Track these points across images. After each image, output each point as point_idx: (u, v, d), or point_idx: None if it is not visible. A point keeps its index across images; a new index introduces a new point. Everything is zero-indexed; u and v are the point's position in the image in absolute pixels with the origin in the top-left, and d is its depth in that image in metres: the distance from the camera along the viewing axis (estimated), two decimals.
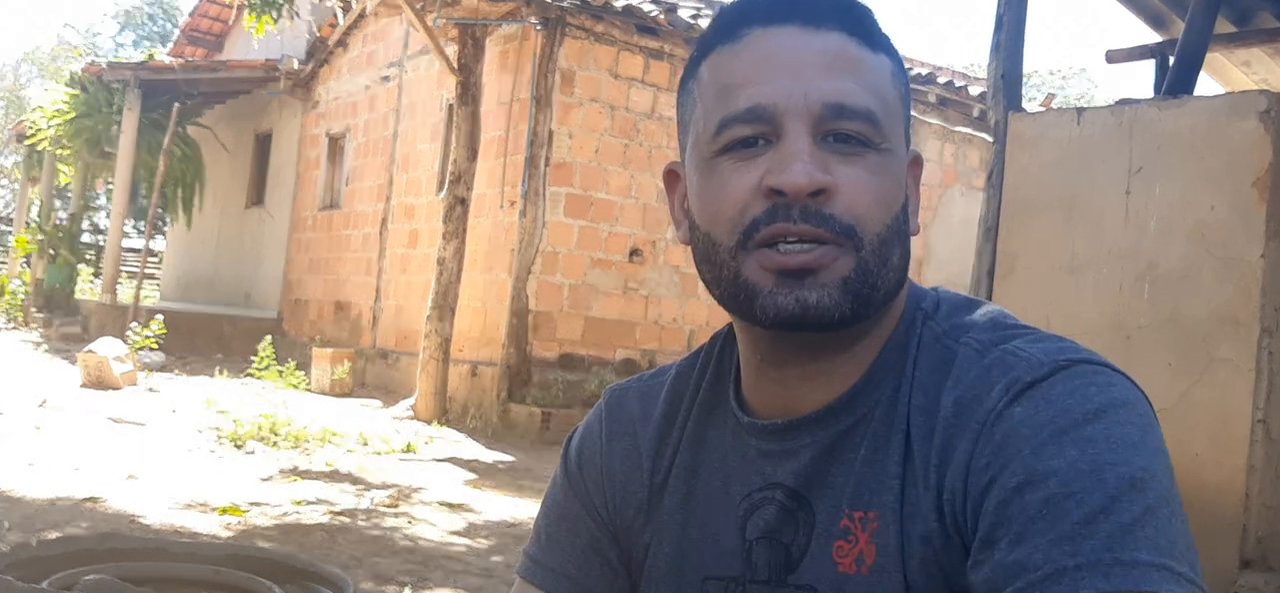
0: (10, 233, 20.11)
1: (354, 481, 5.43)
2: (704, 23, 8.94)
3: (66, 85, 13.78)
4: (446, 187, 8.57)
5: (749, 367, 0.96)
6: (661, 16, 8.77)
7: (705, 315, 8.83)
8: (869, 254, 0.86)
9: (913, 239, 0.94)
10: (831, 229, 0.84)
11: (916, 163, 0.96)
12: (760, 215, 0.85)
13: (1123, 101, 4.30)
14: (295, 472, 5.46)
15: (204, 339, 12.17)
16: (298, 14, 8.68)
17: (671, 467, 1.01)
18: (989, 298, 4.51)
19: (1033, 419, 0.78)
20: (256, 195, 14.62)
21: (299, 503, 4.69)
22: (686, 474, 1.00)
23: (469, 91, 8.41)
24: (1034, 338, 0.86)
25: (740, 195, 0.86)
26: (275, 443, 6.19)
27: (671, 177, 0.99)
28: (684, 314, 8.92)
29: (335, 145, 12.58)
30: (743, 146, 0.87)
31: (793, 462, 0.92)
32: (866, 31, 0.89)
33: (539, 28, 8.48)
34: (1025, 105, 4.76)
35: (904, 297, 0.93)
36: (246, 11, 8.34)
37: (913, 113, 1.12)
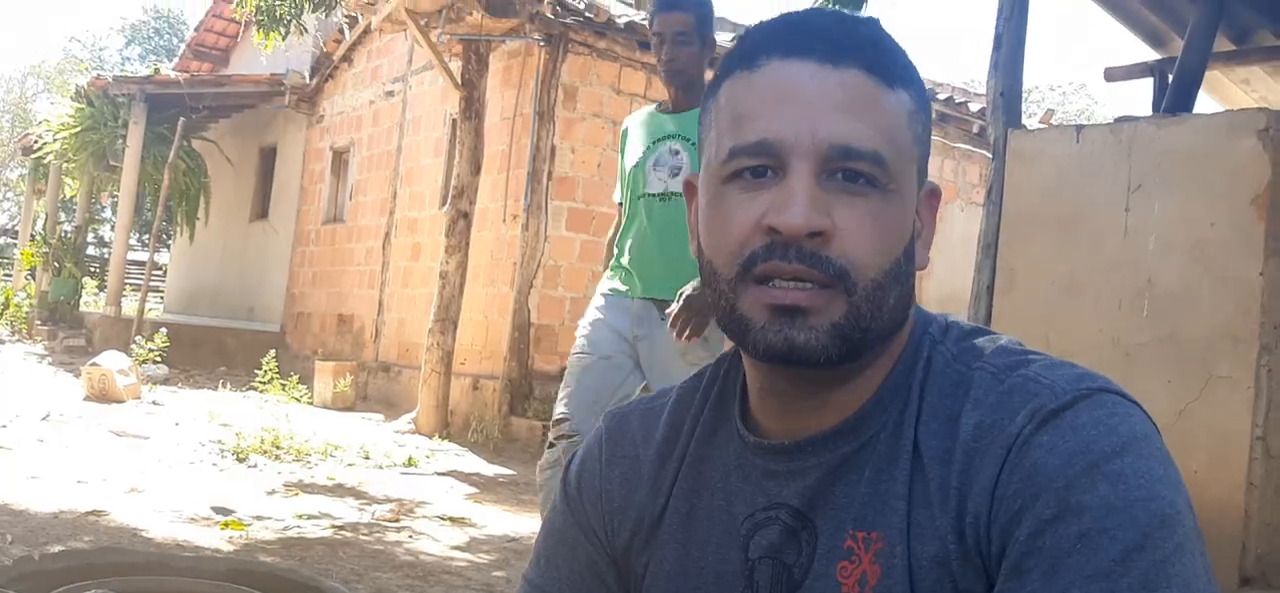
0: (16, 246, 20.15)
1: (356, 494, 5.44)
2: None
3: (72, 99, 13.83)
4: (449, 201, 8.59)
5: (753, 389, 0.98)
6: None
7: None
8: (861, 299, 0.87)
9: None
10: (824, 271, 0.85)
11: (933, 194, 0.96)
12: (758, 250, 0.87)
13: (1122, 119, 4.32)
14: (298, 485, 5.47)
15: (207, 352, 12.20)
16: (305, 29, 8.72)
17: (673, 487, 1.02)
18: (989, 313, 4.52)
19: (1061, 449, 0.80)
20: (261, 209, 14.66)
21: (301, 517, 4.71)
22: (688, 494, 1.01)
23: (472, 107, 8.44)
24: (1048, 364, 0.87)
25: (741, 228, 0.88)
26: (278, 456, 6.21)
27: (690, 189, 1.00)
28: None
29: (339, 159, 12.62)
30: (751, 176, 0.88)
31: (798, 482, 0.93)
32: (886, 68, 0.90)
33: (542, 44, 8.52)
34: (1024, 122, 4.78)
35: (911, 322, 0.95)
36: (254, 28, 8.39)
37: None
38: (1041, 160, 4.40)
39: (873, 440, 0.90)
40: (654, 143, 3.39)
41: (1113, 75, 5.75)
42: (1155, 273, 3.96)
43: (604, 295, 3.41)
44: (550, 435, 3.31)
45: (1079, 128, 4.40)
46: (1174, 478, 0.80)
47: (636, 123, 3.54)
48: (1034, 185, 4.40)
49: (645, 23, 8.91)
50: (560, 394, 3.33)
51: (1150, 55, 5.61)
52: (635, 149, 3.46)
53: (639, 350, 3.29)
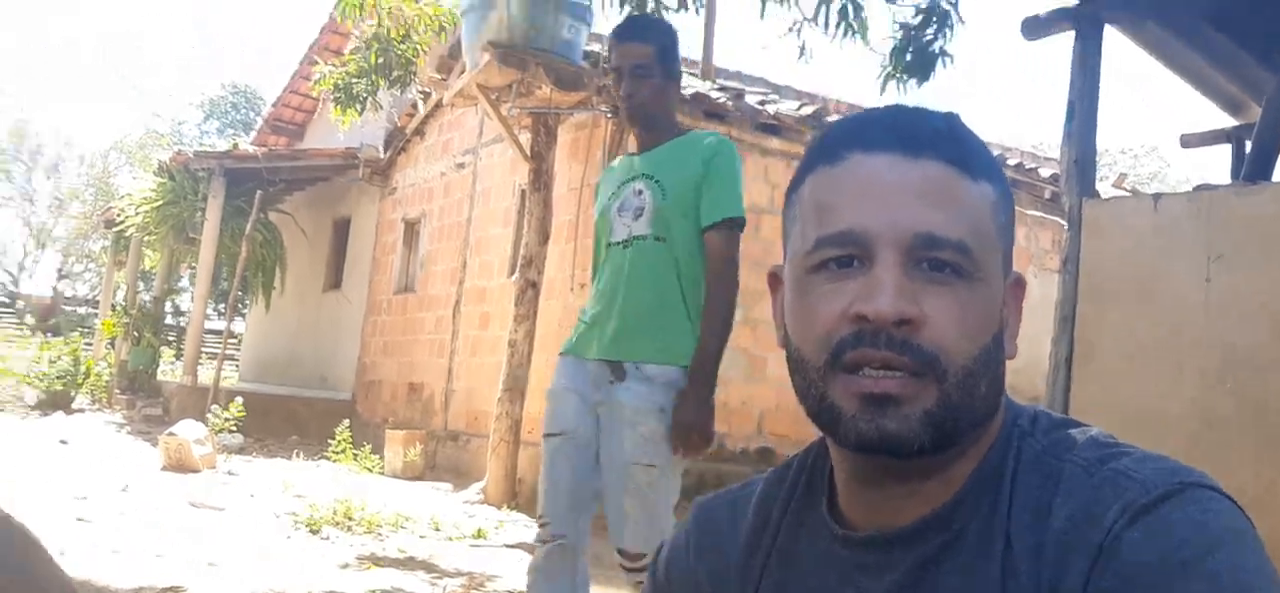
0: (97, 316, 20.72)
1: (428, 568, 5.46)
2: (772, 109, 9.02)
3: (154, 174, 14.26)
4: (518, 270, 8.68)
5: (842, 479, 0.98)
6: (728, 103, 8.87)
7: (774, 398, 8.78)
8: (952, 386, 0.87)
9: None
10: (914, 358, 0.86)
11: (1018, 285, 0.97)
12: (847, 338, 0.87)
13: (1201, 187, 4.25)
14: (371, 558, 5.51)
15: (280, 420, 12.39)
16: (380, 106, 8.94)
17: (761, 579, 1.02)
18: (1068, 384, 4.44)
19: (1153, 547, 0.79)
20: (334, 279, 14.94)
21: None
22: (776, 588, 1.01)
23: (541, 178, 8.55)
24: (1139, 457, 0.87)
25: (829, 317, 0.89)
26: (350, 528, 6.26)
27: (774, 279, 1.02)
28: (752, 396, 8.88)
29: (411, 230, 12.84)
30: (837, 266, 0.89)
31: (889, 575, 0.92)
32: (966, 160, 0.91)
33: (609, 116, 8.62)
34: (1097, 185, 4.72)
35: (1001, 412, 0.94)
36: (331, 105, 8.61)
37: None
38: (1118, 229, 4.34)
39: (963, 533, 0.90)
40: (619, 187, 3.11)
41: (1189, 142, 5.67)
42: (1238, 343, 3.87)
43: (562, 355, 3.11)
44: (533, 539, 3.06)
45: (1156, 196, 4.34)
46: (1268, 573, 0.79)
47: (607, 175, 3.29)
48: (1111, 255, 4.34)
49: (712, 93, 8.99)
50: (540, 486, 3.05)
51: (1227, 121, 5.52)
52: (603, 199, 3.19)
53: (599, 415, 2.96)
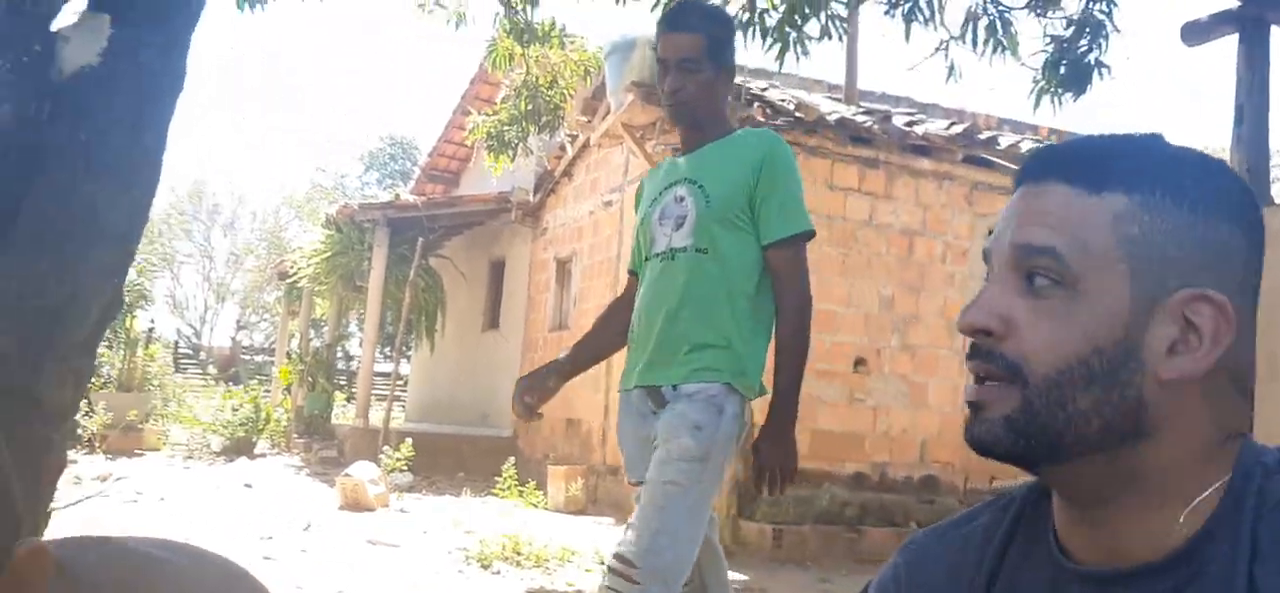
0: (273, 363, 21.78)
1: None
2: (920, 130, 8.90)
3: (323, 227, 14.97)
4: None
5: (1056, 507, 0.98)
6: (875, 126, 8.79)
7: (937, 425, 8.61)
8: (1035, 393, 0.89)
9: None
10: (999, 366, 0.91)
11: (1198, 300, 0.89)
12: (968, 353, 0.96)
13: None
14: None
15: (445, 458, 12.78)
16: (531, 151, 9.20)
17: None
18: (1251, 405, 4.24)
19: None
20: (492, 319, 15.37)
21: None
22: None
23: None
24: None
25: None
26: (519, 562, 6.43)
27: None
28: (914, 424, 8.73)
29: (562, 269, 13.12)
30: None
31: None
32: (1093, 176, 0.91)
33: None
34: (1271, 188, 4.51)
35: (1236, 449, 0.91)
36: (485, 153, 8.91)
37: None
38: None
39: (1199, 576, 0.87)
40: (662, 193, 2.85)
41: None
42: None
43: (619, 391, 2.91)
44: None
45: None
46: None
47: (651, 175, 3.05)
48: None
49: (857, 117, 8.93)
50: None
51: None
52: (644, 205, 2.93)
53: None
